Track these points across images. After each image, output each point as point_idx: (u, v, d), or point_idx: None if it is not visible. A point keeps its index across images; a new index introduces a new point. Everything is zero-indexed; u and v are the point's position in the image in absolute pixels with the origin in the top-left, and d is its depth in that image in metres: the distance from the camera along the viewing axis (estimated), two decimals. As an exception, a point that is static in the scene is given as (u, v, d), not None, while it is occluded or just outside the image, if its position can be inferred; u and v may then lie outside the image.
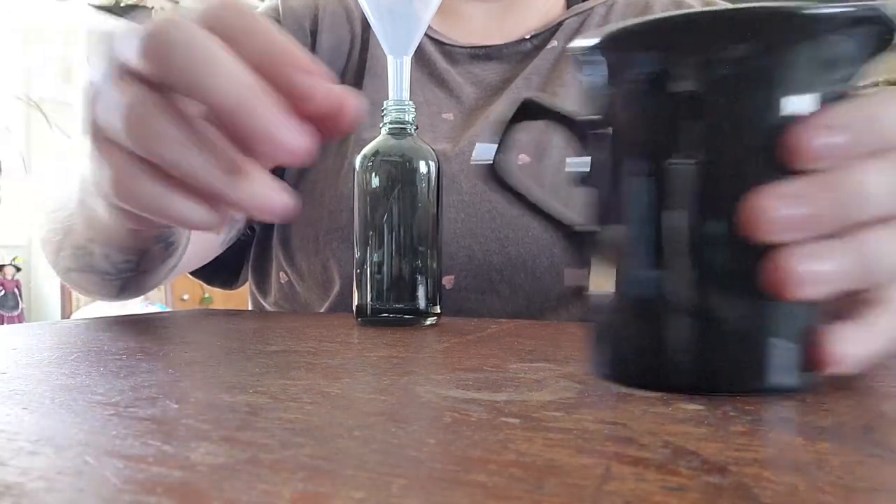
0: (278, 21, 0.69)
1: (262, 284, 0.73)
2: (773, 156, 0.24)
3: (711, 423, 0.21)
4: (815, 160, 0.23)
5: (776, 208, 0.23)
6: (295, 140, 0.26)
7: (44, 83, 2.91)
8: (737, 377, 0.25)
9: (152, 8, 3.24)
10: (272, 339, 0.40)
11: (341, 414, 0.22)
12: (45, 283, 2.99)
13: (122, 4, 3.13)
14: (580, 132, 0.29)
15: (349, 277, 0.62)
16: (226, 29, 0.27)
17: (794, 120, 0.24)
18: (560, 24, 0.73)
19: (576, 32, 0.71)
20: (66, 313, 2.93)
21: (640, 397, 0.24)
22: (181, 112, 0.28)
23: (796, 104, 0.24)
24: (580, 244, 0.29)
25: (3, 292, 2.80)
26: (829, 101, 0.24)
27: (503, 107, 0.66)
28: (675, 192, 0.25)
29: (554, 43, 0.71)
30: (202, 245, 0.64)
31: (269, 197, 0.28)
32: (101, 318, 0.51)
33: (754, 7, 0.24)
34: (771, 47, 0.24)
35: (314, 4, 0.71)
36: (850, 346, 0.24)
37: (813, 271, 0.23)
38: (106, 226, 0.42)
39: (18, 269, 2.86)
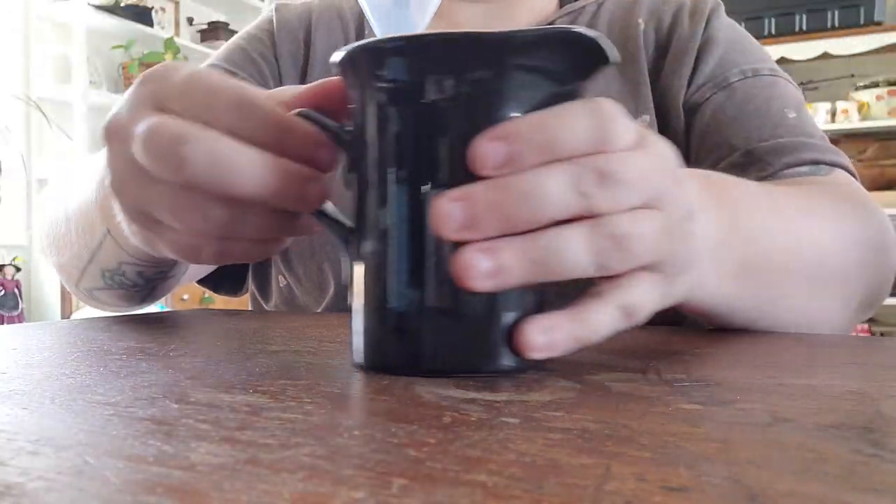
0: (272, 33, 0.69)
1: (263, 289, 0.73)
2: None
3: (712, 424, 0.21)
4: (490, 167, 0.25)
5: (447, 209, 0.25)
6: (317, 200, 0.30)
7: (44, 83, 2.91)
8: (463, 361, 0.28)
9: (152, 8, 3.24)
10: (272, 339, 0.40)
11: (341, 414, 0.22)
12: (45, 283, 2.99)
13: (122, 4, 3.13)
14: (342, 142, 0.31)
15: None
16: (230, 120, 0.29)
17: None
18: (551, 24, 0.72)
19: None
20: (66, 313, 2.92)
21: (641, 397, 0.24)
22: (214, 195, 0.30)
23: (505, 119, 0.26)
24: (347, 244, 0.31)
25: (3, 292, 2.80)
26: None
27: None
28: (402, 197, 0.28)
29: None
30: None
31: (311, 221, 0.32)
32: (101, 318, 0.51)
33: (465, 33, 0.27)
34: (480, 70, 0.27)
35: (308, 13, 0.71)
36: (548, 334, 0.26)
37: (482, 267, 0.25)
38: (148, 255, 0.44)
39: (18, 269, 2.86)
